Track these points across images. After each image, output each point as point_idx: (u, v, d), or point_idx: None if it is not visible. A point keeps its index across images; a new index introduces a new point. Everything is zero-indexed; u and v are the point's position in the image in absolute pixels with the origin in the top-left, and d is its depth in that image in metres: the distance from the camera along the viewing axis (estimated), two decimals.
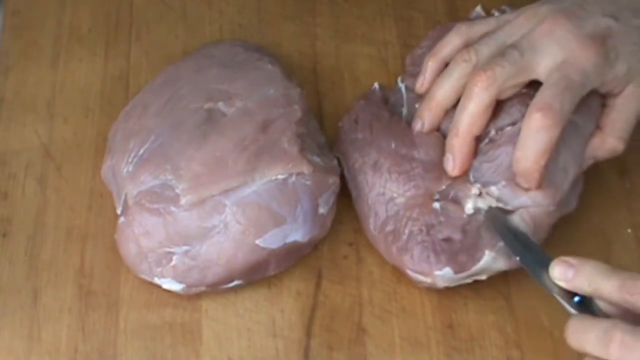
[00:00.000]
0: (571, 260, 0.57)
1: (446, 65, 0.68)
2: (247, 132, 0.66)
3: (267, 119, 0.67)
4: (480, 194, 0.64)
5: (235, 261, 0.64)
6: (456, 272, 0.63)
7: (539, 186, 0.63)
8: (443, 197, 0.65)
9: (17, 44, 0.80)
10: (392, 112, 0.71)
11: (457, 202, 0.65)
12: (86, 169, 0.73)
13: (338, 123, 0.72)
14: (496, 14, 0.72)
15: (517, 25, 0.66)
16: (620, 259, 0.68)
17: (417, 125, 0.68)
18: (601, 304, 0.56)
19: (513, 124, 0.65)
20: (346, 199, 0.69)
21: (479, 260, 0.63)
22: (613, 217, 0.71)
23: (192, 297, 0.67)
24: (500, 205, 0.64)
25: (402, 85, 0.72)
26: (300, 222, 0.65)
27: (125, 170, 0.66)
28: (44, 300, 0.67)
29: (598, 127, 0.66)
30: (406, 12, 0.81)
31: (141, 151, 0.66)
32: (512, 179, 0.64)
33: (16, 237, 0.70)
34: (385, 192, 0.66)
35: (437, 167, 0.66)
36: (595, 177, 0.70)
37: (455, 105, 0.66)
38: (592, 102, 0.65)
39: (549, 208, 0.64)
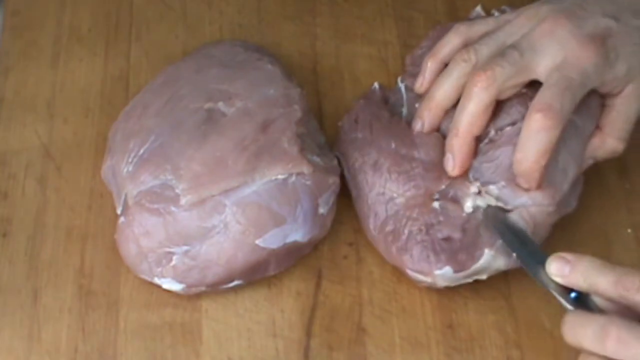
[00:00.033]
0: (567, 256, 0.57)
1: (446, 65, 0.68)
2: (247, 132, 0.66)
3: (267, 119, 0.67)
4: (479, 193, 0.64)
5: (235, 261, 0.64)
6: (456, 271, 0.63)
7: (539, 187, 0.63)
8: (442, 196, 0.65)
9: (17, 44, 0.80)
10: (392, 112, 0.71)
11: (457, 201, 0.65)
12: (86, 169, 0.73)
13: (338, 123, 0.72)
14: (496, 14, 0.72)
15: (517, 25, 0.66)
16: (620, 258, 0.68)
17: (417, 125, 0.68)
18: (597, 300, 0.56)
19: (513, 124, 0.65)
20: (346, 199, 0.69)
21: (478, 259, 0.63)
22: (613, 217, 0.71)
23: (192, 297, 0.67)
24: (500, 204, 0.64)
25: (402, 85, 0.72)
26: (300, 222, 0.65)
27: (125, 170, 0.66)
28: (44, 300, 0.67)
29: (598, 127, 0.66)
30: (406, 12, 0.81)
31: (141, 151, 0.66)
32: (511, 179, 0.64)
33: (16, 237, 0.70)
34: (385, 192, 0.66)
35: (437, 167, 0.66)
36: (595, 177, 0.70)
37: (455, 105, 0.66)
38: (591, 102, 0.65)
39: (549, 208, 0.64)
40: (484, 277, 0.64)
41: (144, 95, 0.71)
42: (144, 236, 0.65)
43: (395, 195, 0.66)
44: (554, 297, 0.57)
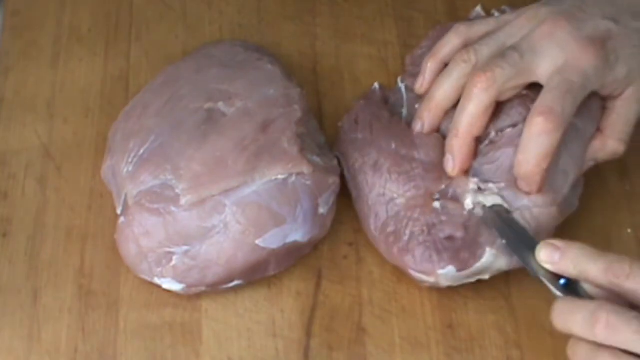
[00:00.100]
0: (557, 243, 0.57)
1: (446, 65, 0.68)
2: (247, 132, 0.66)
3: (267, 119, 0.67)
4: (479, 189, 0.64)
5: (235, 261, 0.64)
6: (459, 270, 0.63)
7: (540, 190, 0.63)
8: (442, 196, 0.65)
9: (17, 44, 0.80)
10: (392, 112, 0.71)
11: (457, 199, 0.65)
12: (86, 169, 0.73)
13: (338, 123, 0.72)
14: (496, 14, 0.72)
15: (517, 26, 0.66)
16: None
17: (417, 126, 0.68)
18: (587, 287, 0.56)
19: (513, 125, 0.65)
20: (346, 199, 0.69)
21: (480, 257, 0.63)
22: (614, 217, 0.71)
23: (192, 297, 0.67)
24: (500, 203, 0.64)
25: (402, 86, 0.72)
26: (300, 222, 0.65)
27: (125, 170, 0.66)
28: (44, 300, 0.67)
29: (599, 129, 0.66)
30: (406, 12, 0.81)
31: (141, 151, 0.66)
32: (512, 180, 0.64)
33: (16, 237, 0.70)
34: (386, 192, 0.66)
35: (437, 167, 0.66)
36: (596, 178, 0.70)
37: (455, 105, 0.66)
38: (592, 105, 0.65)
39: (550, 209, 0.64)
40: (486, 277, 0.64)
41: (144, 95, 0.71)
42: (144, 236, 0.65)
43: (395, 195, 0.66)
44: (554, 297, 0.57)
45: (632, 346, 0.51)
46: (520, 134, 0.62)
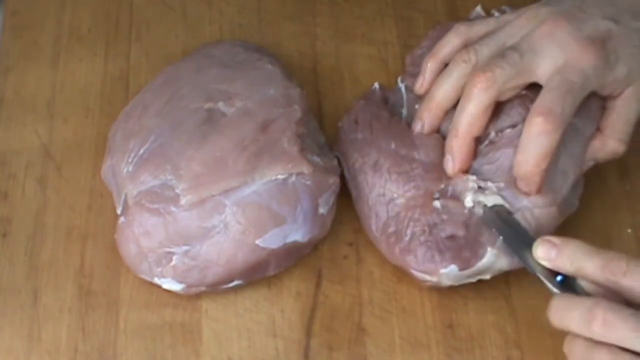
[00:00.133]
0: (554, 239, 0.57)
1: (445, 65, 0.68)
2: (247, 132, 0.66)
3: (267, 119, 0.67)
4: (479, 188, 0.64)
5: (235, 261, 0.64)
6: (461, 269, 0.63)
7: (539, 190, 0.63)
8: (442, 195, 0.65)
9: (17, 44, 0.80)
10: (392, 112, 0.71)
11: (457, 198, 0.65)
12: (86, 169, 0.73)
13: (338, 123, 0.72)
14: (496, 14, 0.72)
15: (517, 26, 0.66)
16: None
17: (417, 126, 0.68)
18: (583, 284, 0.56)
19: (513, 126, 0.65)
20: (346, 199, 0.69)
21: (482, 256, 0.63)
22: (614, 217, 0.71)
23: (192, 297, 0.67)
24: (501, 203, 0.64)
25: (402, 86, 0.72)
26: (300, 222, 0.65)
27: (125, 170, 0.66)
28: (44, 300, 0.67)
29: (598, 129, 0.66)
30: (406, 12, 0.81)
31: (141, 151, 0.66)
32: (512, 181, 0.64)
33: (16, 237, 0.70)
34: (386, 192, 0.66)
35: (437, 168, 0.66)
36: (596, 178, 0.70)
37: (455, 106, 0.66)
38: (592, 105, 0.65)
39: (550, 210, 0.64)
40: (487, 276, 0.64)
41: (144, 95, 0.71)
42: (144, 236, 0.65)
43: (395, 196, 0.66)
44: (552, 294, 0.57)
45: (629, 343, 0.52)
46: (519, 135, 0.62)
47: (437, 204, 0.65)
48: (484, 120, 0.64)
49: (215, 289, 0.66)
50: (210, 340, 0.65)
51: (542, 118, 0.61)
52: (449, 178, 0.65)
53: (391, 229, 0.65)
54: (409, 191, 0.65)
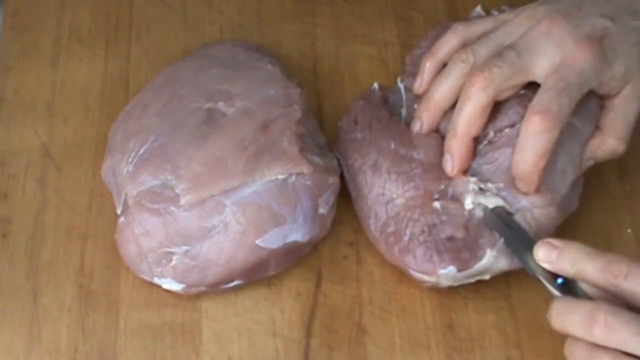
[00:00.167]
0: (555, 242, 0.57)
1: (444, 65, 0.68)
2: (247, 132, 0.66)
3: (267, 119, 0.67)
4: (479, 189, 0.64)
5: (235, 261, 0.64)
6: (460, 270, 0.63)
7: (538, 190, 0.63)
8: (442, 196, 0.65)
9: (17, 44, 0.80)
10: (392, 112, 0.71)
11: (457, 199, 0.65)
12: (86, 169, 0.73)
13: (338, 123, 0.72)
14: (496, 14, 0.72)
15: (515, 25, 0.66)
16: None
17: (416, 126, 0.68)
18: (584, 286, 0.56)
19: (511, 125, 0.65)
20: (346, 199, 0.69)
21: (481, 258, 0.63)
22: (613, 217, 0.71)
23: (192, 297, 0.67)
24: (502, 204, 0.64)
25: (401, 86, 0.72)
26: (300, 222, 0.65)
27: (125, 170, 0.66)
28: (44, 300, 0.67)
29: (598, 128, 0.66)
30: (406, 12, 0.81)
31: (141, 151, 0.66)
32: (511, 181, 0.64)
33: (16, 237, 0.70)
34: (385, 192, 0.66)
35: (436, 168, 0.66)
36: (596, 178, 0.70)
37: (454, 105, 0.66)
38: (590, 104, 0.65)
39: (549, 210, 0.64)
40: (486, 277, 0.64)
41: (144, 95, 0.71)
42: (144, 236, 0.65)
43: (394, 196, 0.66)
44: (552, 297, 0.57)
45: (630, 347, 0.51)
46: (518, 134, 0.62)
47: (436, 205, 0.65)
48: (482, 120, 0.64)
49: (215, 289, 0.66)
50: (210, 340, 0.65)
51: (539, 117, 0.61)
52: (448, 178, 0.65)
53: (390, 229, 0.65)
54: (408, 191, 0.65)
